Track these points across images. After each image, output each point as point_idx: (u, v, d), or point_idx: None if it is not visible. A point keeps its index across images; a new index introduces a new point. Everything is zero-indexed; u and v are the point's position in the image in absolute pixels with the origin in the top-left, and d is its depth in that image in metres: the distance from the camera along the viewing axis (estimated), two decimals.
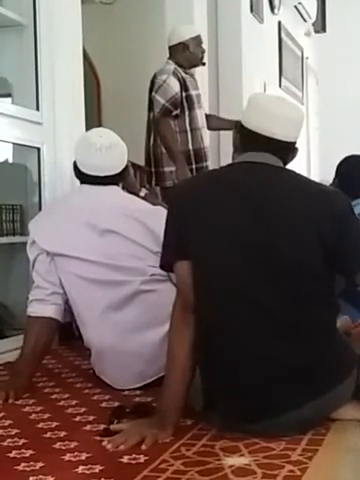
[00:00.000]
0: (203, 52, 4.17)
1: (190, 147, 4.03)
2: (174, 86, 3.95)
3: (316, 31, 8.96)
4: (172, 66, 4.02)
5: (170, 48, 4.13)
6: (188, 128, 4.05)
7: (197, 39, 4.14)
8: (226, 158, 4.12)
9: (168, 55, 4.14)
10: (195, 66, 4.17)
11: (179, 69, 4.03)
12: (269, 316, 1.86)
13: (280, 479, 1.59)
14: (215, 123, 4.34)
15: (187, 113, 4.03)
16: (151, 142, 4.06)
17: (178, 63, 4.05)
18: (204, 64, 4.25)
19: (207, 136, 4.17)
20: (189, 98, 4.03)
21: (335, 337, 1.96)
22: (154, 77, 4.02)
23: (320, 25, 9.04)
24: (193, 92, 4.06)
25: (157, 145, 4.02)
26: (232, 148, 2.10)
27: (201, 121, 4.09)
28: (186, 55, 4.07)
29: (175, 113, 3.97)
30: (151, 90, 4.02)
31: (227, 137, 4.23)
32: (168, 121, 3.95)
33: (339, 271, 1.95)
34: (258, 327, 1.85)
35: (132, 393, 2.42)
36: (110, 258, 2.46)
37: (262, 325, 1.85)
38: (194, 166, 4.01)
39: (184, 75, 4.05)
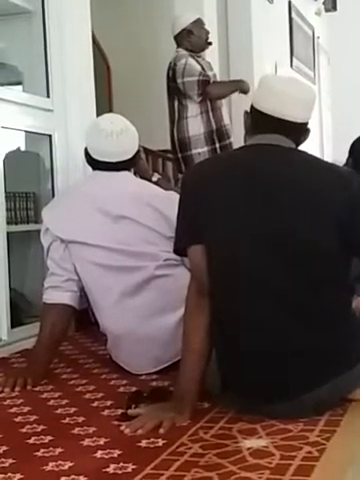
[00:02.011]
0: (207, 33, 4.25)
1: (213, 127, 4.10)
2: (196, 65, 4.06)
3: (327, 10, 8.89)
4: (184, 51, 4.08)
5: (176, 38, 4.21)
6: (209, 108, 4.09)
7: (198, 22, 4.22)
8: (237, 140, 4.12)
9: (176, 45, 4.17)
10: (203, 49, 4.22)
11: (192, 54, 4.08)
12: (283, 298, 1.85)
13: (298, 460, 1.59)
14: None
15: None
16: (175, 129, 4.10)
17: (187, 49, 4.11)
18: (210, 43, 4.29)
19: (226, 114, 4.22)
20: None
21: (351, 318, 1.95)
22: (173, 65, 4.08)
23: (330, 4, 8.96)
24: (210, 73, 4.17)
25: (182, 130, 4.05)
26: (244, 130, 2.09)
27: (219, 100, 4.16)
28: (191, 40, 4.16)
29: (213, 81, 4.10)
30: (171, 78, 4.05)
31: (239, 119, 4.22)
32: (210, 86, 4.04)
33: (354, 252, 1.94)
34: (272, 309, 1.85)
35: (149, 377, 2.43)
36: (124, 244, 2.47)
37: (276, 307, 1.85)
38: (218, 145, 4.08)
39: (197, 59, 4.10)
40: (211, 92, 4.07)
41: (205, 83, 4.02)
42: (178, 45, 4.18)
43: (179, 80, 4.02)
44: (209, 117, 4.09)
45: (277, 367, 1.85)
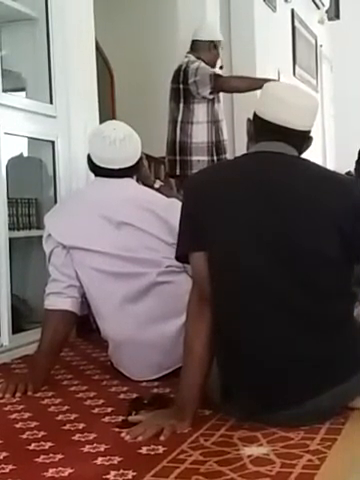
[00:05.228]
0: (220, 57, 4.27)
1: (216, 139, 4.10)
2: (208, 67, 4.07)
3: (330, 18, 8.91)
4: (197, 59, 4.10)
5: (196, 42, 4.19)
6: (215, 119, 4.11)
7: (221, 43, 4.27)
8: (240, 150, 4.14)
9: (189, 48, 4.17)
10: (213, 66, 4.23)
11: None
12: (285, 305, 1.85)
13: (299, 469, 1.59)
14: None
15: (212, 105, 4.09)
16: (177, 131, 4.11)
17: (200, 59, 4.10)
18: (221, 68, 4.31)
19: (226, 129, 4.23)
20: None
21: (352, 326, 1.95)
22: (185, 67, 4.06)
23: (333, 12, 8.98)
24: None
25: (185, 134, 4.06)
26: (246, 139, 2.10)
27: (221, 114, 4.18)
28: (212, 54, 4.19)
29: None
30: (182, 81, 4.05)
31: (242, 130, 4.24)
32: (227, 78, 4.11)
33: (357, 258, 1.94)
34: (274, 316, 1.85)
35: (150, 384, 2.43)
36: (126, 250, 2.47)
37: (278, 314, 1.85)
38: (215, 157, 4.07)
39: None
40: (229, 85, 4.07)
41: (218, 77, 4.02)
42: (192, 49, 4.17)
43: (191, 79, 4.01)
44: (214, 128, 4.10)
45: (277, 373, 1.85)
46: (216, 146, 4.11)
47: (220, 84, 4.02)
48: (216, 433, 1.86)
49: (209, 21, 4.52)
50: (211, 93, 4.03)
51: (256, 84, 4.07)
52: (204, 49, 4.15)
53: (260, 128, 2.00)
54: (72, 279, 2.51)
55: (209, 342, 1.93)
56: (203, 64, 4.06)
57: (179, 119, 4.10)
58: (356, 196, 1.90)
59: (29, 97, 3.43)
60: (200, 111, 4.07)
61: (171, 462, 1.66)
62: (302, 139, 2.01)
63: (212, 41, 4.17)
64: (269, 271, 1.86)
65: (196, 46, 4.18)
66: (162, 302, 2.43)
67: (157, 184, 3.40)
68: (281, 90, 2.02)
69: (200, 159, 4.04)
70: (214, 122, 4.11)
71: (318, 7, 8.35)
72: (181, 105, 4.09)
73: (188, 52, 4.18)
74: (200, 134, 4.07)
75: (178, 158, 4.10)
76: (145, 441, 1.80)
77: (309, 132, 2.02)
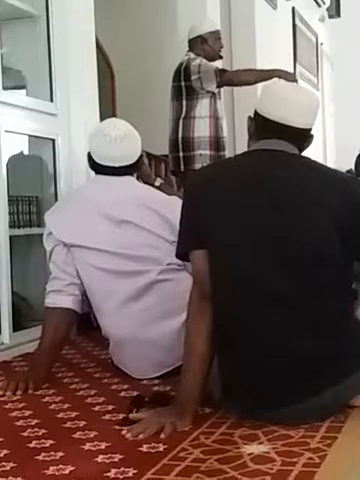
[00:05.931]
0: (221, 47, 4.29)
1: (218, 134, 4.10)
2: (210, 62, 4.10)
3: (330, 16, 8.91)
4: (198, 56, 4.11)
5: (190, 41, 4.23)
6: (216, 115, 4.12)
7: (216, 34, 4.26)
8: (241, 147, 4.14)
9: (187, 48, 4.19)
10: (213, 60, 4.24)
11: None
12: (285, 303, 1.85)
13: (299, 467, 1.59)
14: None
15: (214, 101, 4.12)
16: (180, 128, 4.10)
17: (200, 55, 4.11)
18: (221, 57, 4.31)
19: (226, 126, 4.24)
20: None
21: (353, 324, 1.95)
22: (186, 64, 4.08)
23: (334, 10, 8.98)
24: None
25: (187, 129, 4.06)
26: (247, 137, 2.10)
27: (221, 111, 4.19)
28: (205, 48, 4.19)
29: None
30: (184, 78, 4.06)
31: (242, 127, 4.24)
32: (230, 72, 4.13)
33: (357, 257, 1.94)
34: (274, 315, 1.85)
35: (151, 382, 2.43)
36: (126, 248, 2.47)
37: (278, 312, 1.85)
38: (217, 152, 4.08)
39: None
40: (238, 79, 4.10)
41: (221, 71, 4.05)
42: (190, 49, 4.20)
43: (194, 76, 4.02)
44: (217, 123, 4.11)
45: (277, 372, 1.85)
46: (216, 142, 4.12)
47: (229, 78, 4.06)
48: (217, 431, 1.86)
49: (198, 19, 4.52)
50: (217, 87, 4.05)
51: (265, 76, 4.10)
52: (197, 46, 4.18)
53: (261, 126, 2.00)
54: (73, 277, 2.51)
55: (210, 340, 1.93)
56: (205, 61, 4.08)
57: (182, 115, 4.11)
58: (356, 193, 1.90)
59: (29, 95, 3.43)
60: (203, 106, 4.08)
61: (172, 460, 1.66)
62: (303, 137, 2.01)
63: (200, 36, 4.18)
64: (269, 269, 1.86)
65: (191, 45, 4.22)
66: (163, 300, 2.44)
67: (157, 182, 3.40)
68: (282, 88, 2.02)
69: (203, 153, 4.05)
70: (216, 118, 4.12)
71: (319, 5, 8.35)
72: (184, 102, 4.11)
73: (188, 51, 4.20)
74: (202, 128, 4.08)
75: (182, 154, 4.10)
76: (146, 439, 1.80)
77: (310, 130, 2.02)
